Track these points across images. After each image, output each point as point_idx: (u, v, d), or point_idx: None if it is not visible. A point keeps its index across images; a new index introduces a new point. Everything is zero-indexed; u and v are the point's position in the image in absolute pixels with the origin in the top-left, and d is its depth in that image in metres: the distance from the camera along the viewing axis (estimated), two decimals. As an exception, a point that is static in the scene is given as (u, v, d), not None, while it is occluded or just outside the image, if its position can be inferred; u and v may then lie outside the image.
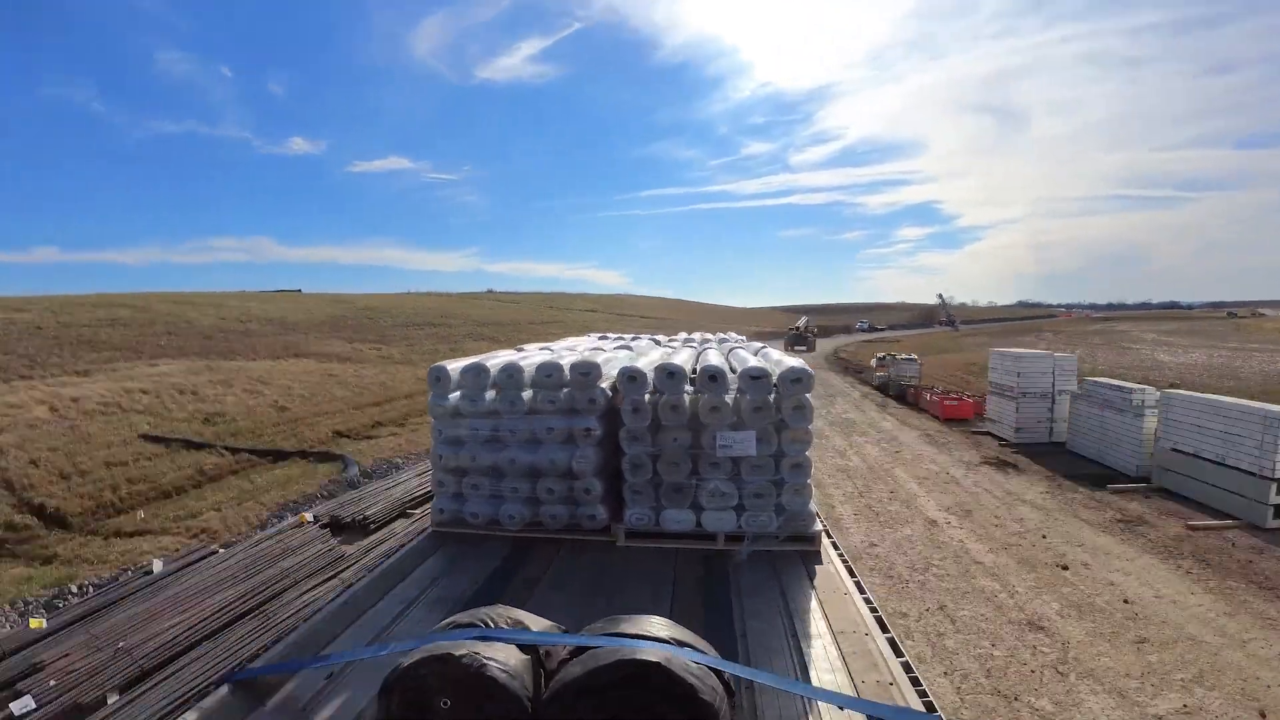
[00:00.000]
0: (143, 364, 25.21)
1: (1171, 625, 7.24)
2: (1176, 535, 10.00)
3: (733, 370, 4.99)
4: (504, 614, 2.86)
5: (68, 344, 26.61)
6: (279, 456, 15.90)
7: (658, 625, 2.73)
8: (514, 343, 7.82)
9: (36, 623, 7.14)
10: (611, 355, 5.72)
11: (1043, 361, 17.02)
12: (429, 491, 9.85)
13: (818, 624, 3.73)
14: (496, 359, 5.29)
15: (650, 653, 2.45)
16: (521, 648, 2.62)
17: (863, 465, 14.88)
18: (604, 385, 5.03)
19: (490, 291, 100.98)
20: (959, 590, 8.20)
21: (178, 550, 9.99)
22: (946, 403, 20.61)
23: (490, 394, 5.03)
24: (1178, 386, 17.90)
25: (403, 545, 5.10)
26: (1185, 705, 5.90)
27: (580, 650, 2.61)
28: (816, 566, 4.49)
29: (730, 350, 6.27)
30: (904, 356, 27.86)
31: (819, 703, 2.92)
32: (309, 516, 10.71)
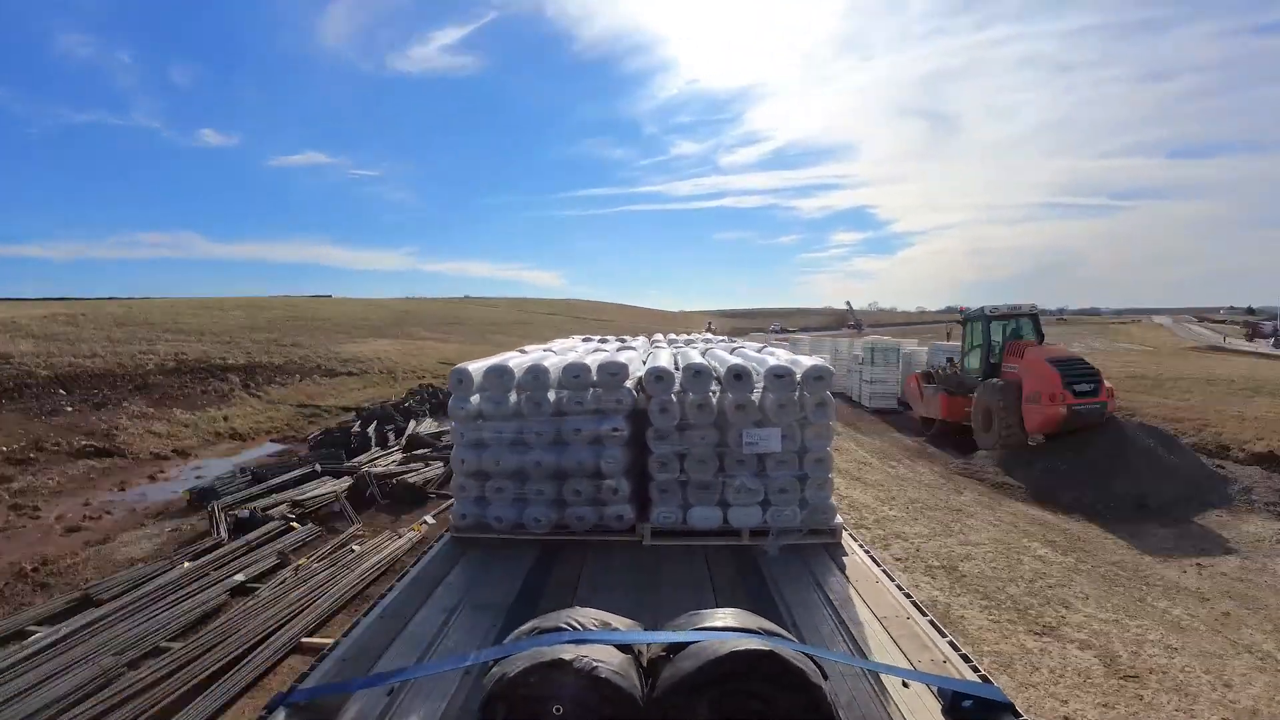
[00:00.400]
0: (368, 340, 41.84)
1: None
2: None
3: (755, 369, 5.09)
4: (588, 615, 2.87)
5: (321, 330, 42.42)
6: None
7: (744, 617, 2.78)
8: (521, 343, 7.79)
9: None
10: (631, 356, 5.76)
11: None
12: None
13: (861, 611, 3.85)
14: (517, 360, 5.27)
15: (758, 642, 2.51)
16: (619, 647, 2.64)
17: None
18: (628, 385, 5.07)
19: (467, 297, 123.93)
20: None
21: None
22: None
23: (513, 396, 5.01)
24: None
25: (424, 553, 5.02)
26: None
27: (675, 647, 2.65)
28: (843, 558, 4.63)
29: (735, 349, 6.37)
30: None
31: (886, 683, 3.04)
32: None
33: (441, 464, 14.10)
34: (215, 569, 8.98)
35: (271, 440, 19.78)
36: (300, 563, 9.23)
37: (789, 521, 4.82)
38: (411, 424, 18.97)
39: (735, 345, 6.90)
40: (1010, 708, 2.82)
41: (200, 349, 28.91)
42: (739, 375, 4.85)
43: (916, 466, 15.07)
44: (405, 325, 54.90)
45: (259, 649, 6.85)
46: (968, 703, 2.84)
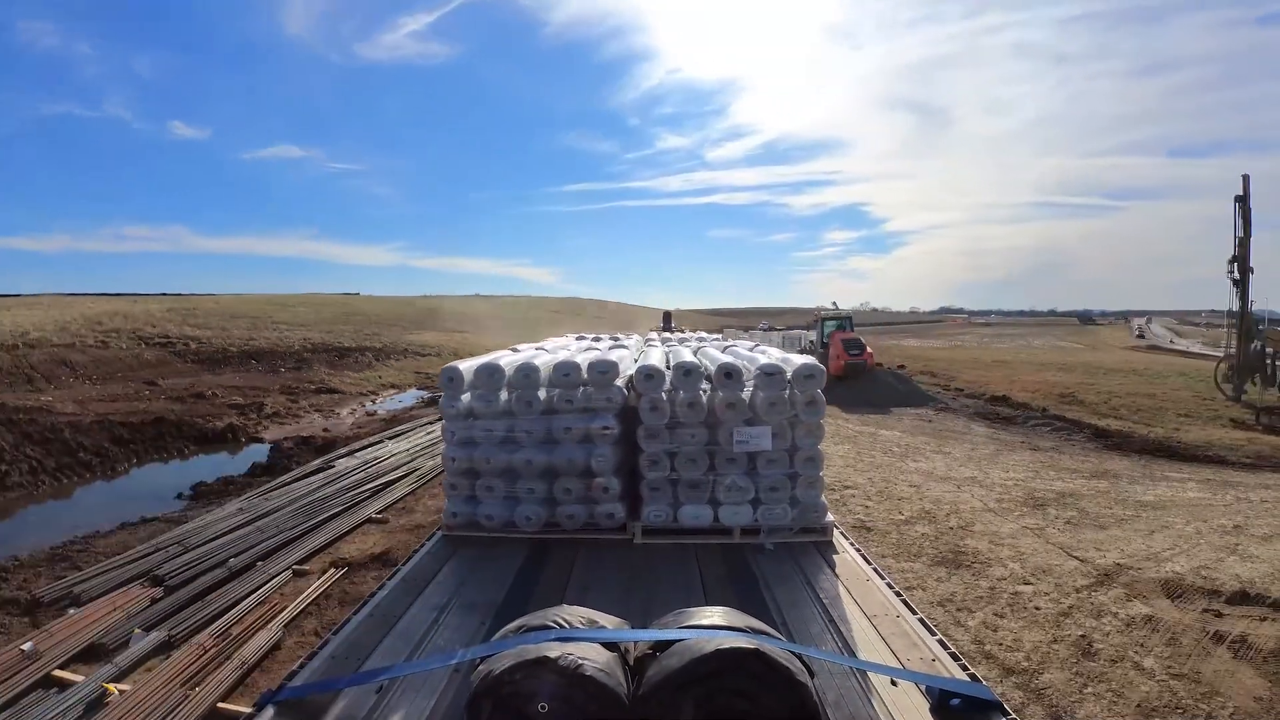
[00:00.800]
0: (419, 332, 51.01)
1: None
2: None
3: (746, 366, 5.09)
4: (574, 613, 2.86)
5: (378, 323, 52.30)
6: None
7: (731, 615, 2.78)
8: (538, 338, 7.84)
9: None
10: (622, 354, 5.75)
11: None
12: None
13: (850, 609, 3.85)
14: (508, 359, 5.26)
15: (744, 640, 2.51)
16: (605, 645, 2.63)
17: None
18: (619, 383, 5.06)
19: (477, 295, 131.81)
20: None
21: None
22: None
23: (504, 394, 5.00)
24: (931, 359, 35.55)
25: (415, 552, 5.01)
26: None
27: (661, 645, 2.64)
28: (833, 556, 4.64)
29: (725, 347, 6.38)
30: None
31: (874, 681, 3.04)
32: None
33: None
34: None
35: (415, 388, 29.75)
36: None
37: (780, 520, 4.83)
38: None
39: (727, 344, 6.91)
40: (999, 706, 2.83)
41: (318, 336, 41.31)
42: (729, 373, 4.86)
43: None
44: (436, 320, 63.75)
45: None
46: (956, 701, 2.84)
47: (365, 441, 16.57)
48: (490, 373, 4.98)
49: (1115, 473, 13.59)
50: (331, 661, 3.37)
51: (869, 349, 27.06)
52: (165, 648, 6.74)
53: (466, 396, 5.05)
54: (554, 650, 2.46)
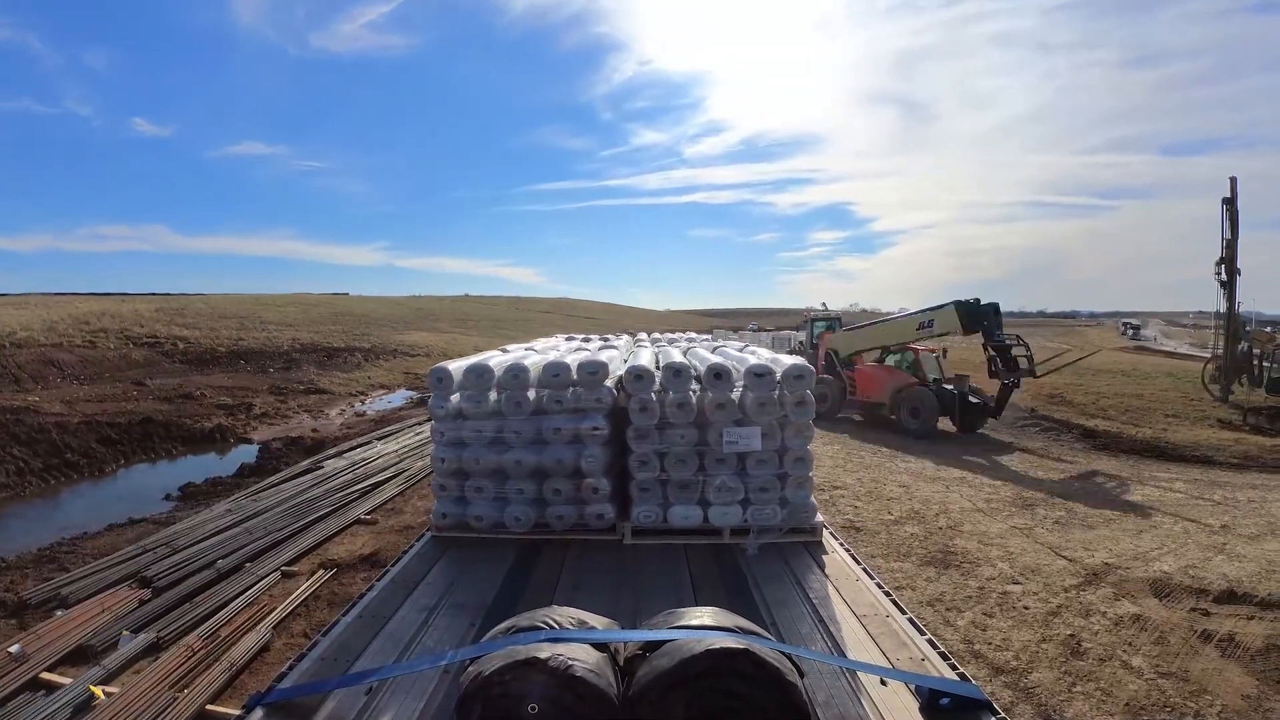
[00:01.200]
0: (408, 332, 51.25)
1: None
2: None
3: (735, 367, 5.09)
4: (564, 614, 2.85)
5: (367, 323, 51.91)
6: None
7: (721, 616, 2.78)
8: (527, 339, 7.83)
9: None
10: (612, 355, 5.74)
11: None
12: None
13: (840, 609, 3.86)
14: (498, 359, 5.25)
15: (733, 640, 2.51)
16: (595, 646, 2.63)
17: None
18: (608, 384, 5.06)
19: (467, 295, 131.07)
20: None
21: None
22: None
23: (493, 395, 4.99)
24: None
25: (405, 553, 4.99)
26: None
27: (651, 645, 2.64)
28: (823, 556, 4.64)
29: (715, 348, 6.38)
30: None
31: (863, 681, 3.04)
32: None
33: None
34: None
35: (404, 388, 29.96)
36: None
37: (769, 520, 4.83)
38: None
39: (717, 344, 6.92)
40: (988, 705, 2.84)
41: (307, 336, 41.43)
42: (719, 374, 4.86)
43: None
44: (426, 320, 64.32)
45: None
46: (945, 700, 2.85)
47: (354, 442, 16.58)
48: (479, 373, 4.97)
49: (1104, 471, 13.70)
50: (320, 663, 3.35)
51: None
52: (153, 649, 6.69)
53: (456, 397, 5.04)
54: (544, 651, 2.46)
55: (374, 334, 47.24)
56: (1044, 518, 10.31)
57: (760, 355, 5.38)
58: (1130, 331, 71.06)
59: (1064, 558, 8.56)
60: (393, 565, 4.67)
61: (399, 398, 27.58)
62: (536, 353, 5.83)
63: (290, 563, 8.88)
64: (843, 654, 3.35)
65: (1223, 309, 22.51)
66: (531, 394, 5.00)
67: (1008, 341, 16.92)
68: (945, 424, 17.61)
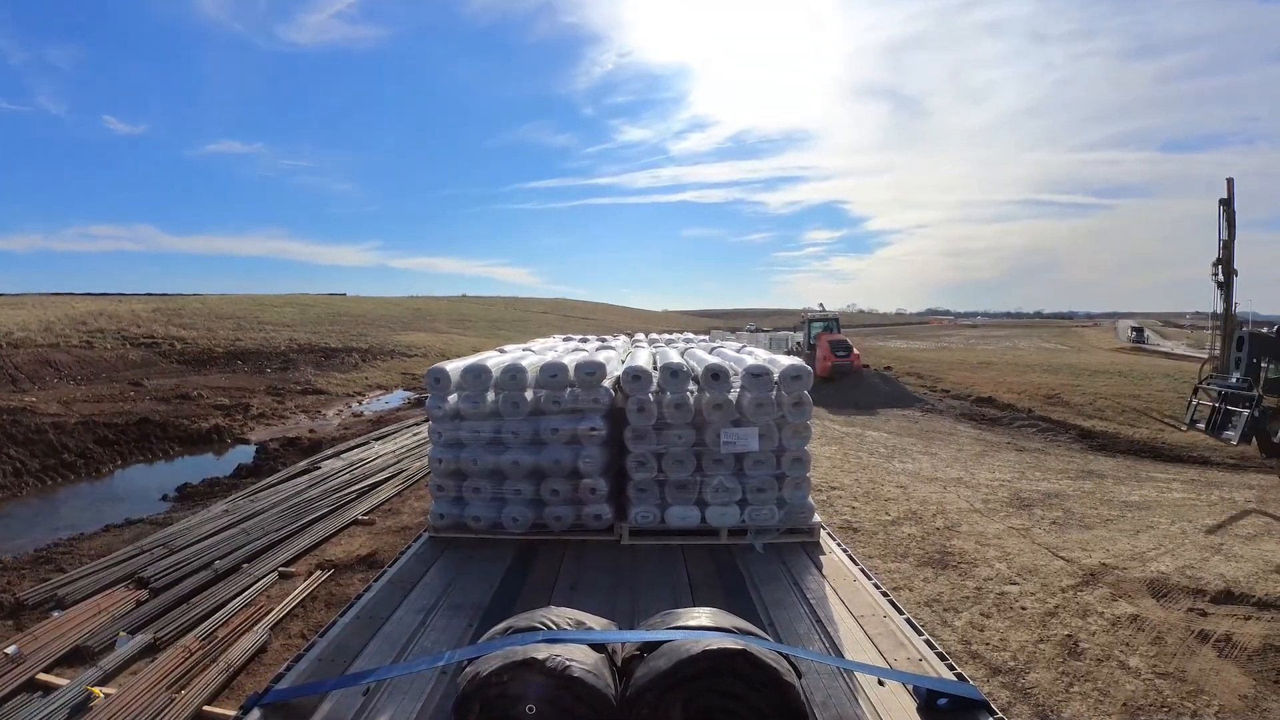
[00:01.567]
0: (406, 333, 51.11)
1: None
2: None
3: (733, 368, 5.09)
4: (562, 615, 2.85)
5: (364, 324, 52.18)
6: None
7: (718, 616, 2.78)
8: (524, 340, 7.84)
9: None
10: (609, 356, 5.75)
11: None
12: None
13: (837, 610, 3.86)
14: (495, 360, 5.24)
15: (731, 641, 2.51)
16: (593, 647, 2.63)
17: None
18: (606, 385, 5.06)
19: (465, 296, 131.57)
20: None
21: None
22: None
23: (491, 395, 4.99)
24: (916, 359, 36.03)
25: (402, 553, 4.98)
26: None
27: (649, 646, 2.64)
28: (820, 557, 4.65)
29: (713, 349, 6.38)
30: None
31: (861, 681, 3.05)
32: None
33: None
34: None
35: (401, 388, 29.93)
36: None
37: (767, 521, 4.84)
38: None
39: (714, 345, 6.92)
40: (985, 705, 2.84)
41: (305, 337, 41.62)
42: (716, 375, 4.87)
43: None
44: (423, 320, 64.29)
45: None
46: (943, 700, 2.85)
47: (352, 443, 16.59)
48: (477, 374, 4.96)
49: (1100, 473, 13.74)
50: (318, 664, 3.35)
51: (855, 350, 27.39)
52: (151, 650, 6.69)
53: (453, 398, 5.04)
54: (542, 652, 2.46)
55: (371, 334, 47.27)
56: (1041, 518, 10.32)
57: (758, 356, 5.38)
58: (1134, 335, 71.48)
59: (1061, 558, 8.57)
60: (390, 566, 4.66)
61: (396, 398, 27.63)
62: (534, 353, 5.83)
63: (288, 563, 8.87)
64: (840, 654, 3.35)
65: (1220, 310, 22.52)
66: (529, 395, 5.00)
67: None
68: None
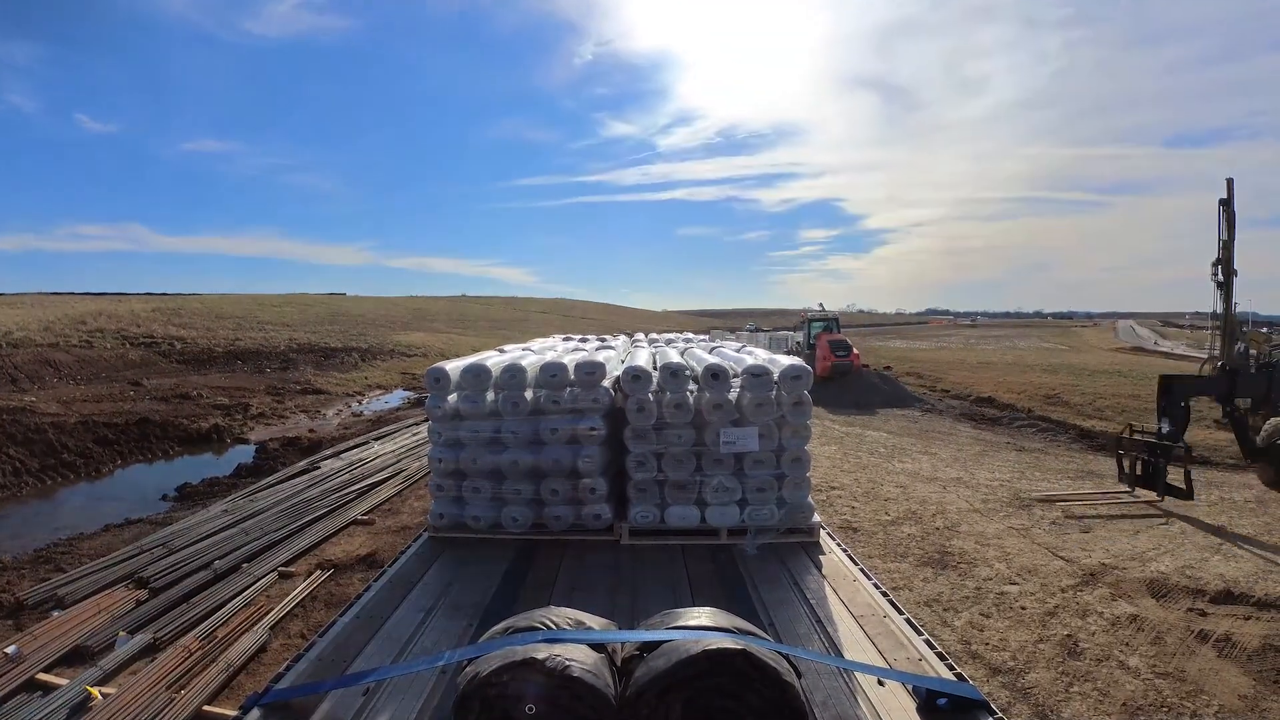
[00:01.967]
0: (405, 332, 51.20)
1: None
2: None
3: (733, 368, 5.09)
4: (562, 614, 2.85)
5: (363, 324, 52.57)
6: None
7: (718, 616, 2.78)
8: (525, 339, 7.86)
9: None
10: (609, 355, 5.75)
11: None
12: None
13: (837, 609, 3.86)
14: (495, 359, 5.25)
15: (731, 641, 2.51)
16: (593, 647, 2.63)
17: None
18: (605, 384, 5.06)
19: (464, 295, 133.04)
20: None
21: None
22: None
23: (490, 395, 4.99)
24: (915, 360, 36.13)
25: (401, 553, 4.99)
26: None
27: (649, 646, 2.64)
28: (820, 557, 4.65)
29: (712, 348, 6.39)
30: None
31: (861, 681, 3.05)
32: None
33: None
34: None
35: (401, 388, 30.18)
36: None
37: (766, 520, 4.84)
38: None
39: (714, 345, 6.93)
40: (985, 705, 2.84)
41: (304, 337, 41.77)
42: (716, 374, 4.87)
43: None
44: (423, 320, 64.92)
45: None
46: (943, 700, 2.85)
47: (351, 442, 16.61)
48: (476, 374, 4.97)
49: (1100, 473, 13.73)
50: (318, 664, 3.35)
51: (855, 350, 27.44)
52: (150, 650, 6.68)
53: (453, 397, 5.04)
54: (541, 652, 2.45)
55: (371, 334, 47.38)
56: (1040, 518, 10.32)
57: (758, 355, 5.38)
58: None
59: (1061, 558, 8.58)
60: (390, 566, 4.66)
61: (396, 398, 27.71)
62: (534, 353, 5.83)
63: (287, 563, 8.87)
64: (840, 654, 3.36)
65: (1219, 310, 22.52)
66: (529, 394, 5.00)
67: None
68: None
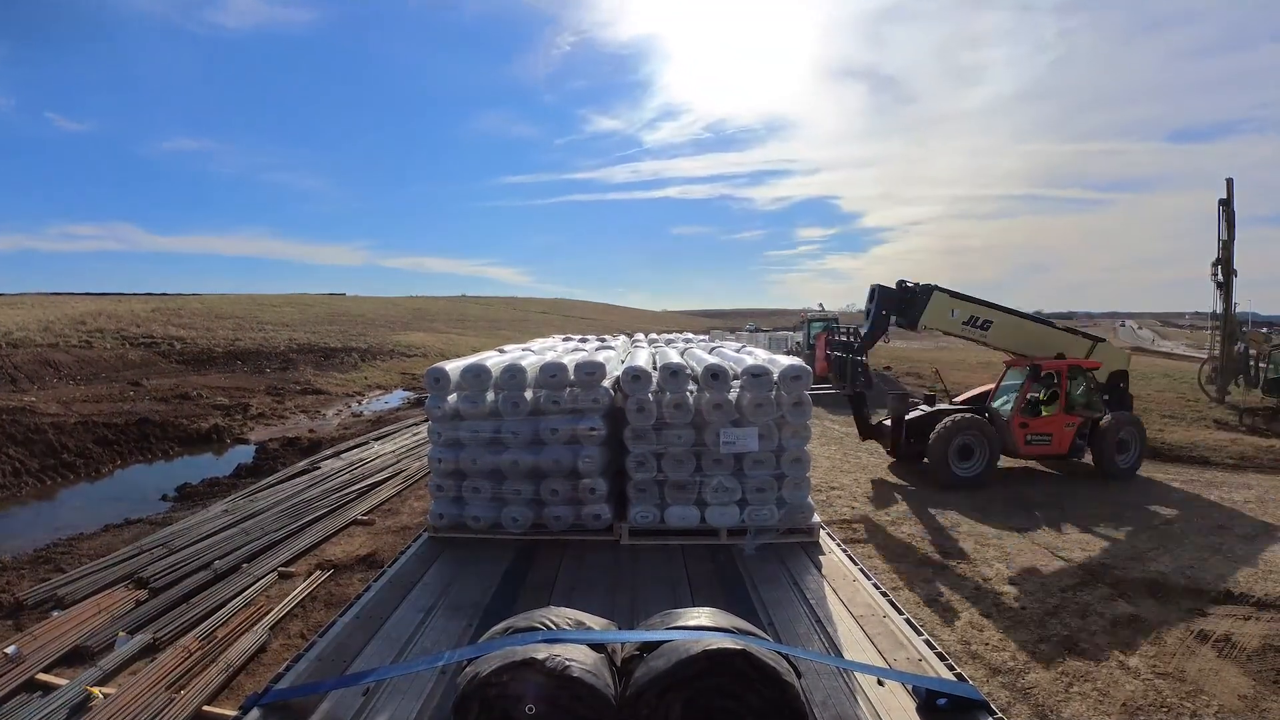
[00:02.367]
0: (405, 332, 51.26)
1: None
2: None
3: (733, 368, 5.09)
4: (562, 615, 2.85)
5: (363, 324, 52.58)
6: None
7: (718, 616, 2.78)
8: (525, 339, 7.86)
9: None
10: (609, 356, 5.75)
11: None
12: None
13: (837, 609, 3.86)
14: (495, 360, 5.24)
15: (730, 641, 2.51)
16: (592, 647, 2.63)
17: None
18: (605, 384, 5.06)
19: (464, 295, 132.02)
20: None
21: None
22: None
23: (490, 395, 4.99)
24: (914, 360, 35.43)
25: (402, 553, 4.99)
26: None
27: (648, 646, 2.64)
28: (820, 557, 4.65)
29: (712, 349, 6.38)
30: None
31: (860, 681, 3.05)
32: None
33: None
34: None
35: (401, 389, 30.07)
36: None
37: (766, 520, 4.84)
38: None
39: (714, 345, 6.92)
40: (985, 705, 2.84)
41: (304, 337, 41.76)
42: (716, 375, 4.87)
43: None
44: (423, 320, 64.76)
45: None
46: (942, 700, 2.85)
47: (351, 443, 16.62)
48: (476, 374, 4.96)
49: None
50: (318, 664, 3.34)
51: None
52: (150, 650, 6.68)
53: (453, 397, 5.04)
54: (541, 652, 2.45)
55: (371, 334, 47.35)
56: (1040, 518, 10.32)
57: (757, 356, 5.38)
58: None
59: (1061, 558, 8.58)
60: (390, 566, 4.66)
61: (396, 398, 27.66)
62: (534, 353, 5.83)
63: (287, 564, 8.87)
64: (840, 654, 3.35)
65: (1219, 310, 22.55)
66: (529, 394, 5.00)
67: None
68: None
